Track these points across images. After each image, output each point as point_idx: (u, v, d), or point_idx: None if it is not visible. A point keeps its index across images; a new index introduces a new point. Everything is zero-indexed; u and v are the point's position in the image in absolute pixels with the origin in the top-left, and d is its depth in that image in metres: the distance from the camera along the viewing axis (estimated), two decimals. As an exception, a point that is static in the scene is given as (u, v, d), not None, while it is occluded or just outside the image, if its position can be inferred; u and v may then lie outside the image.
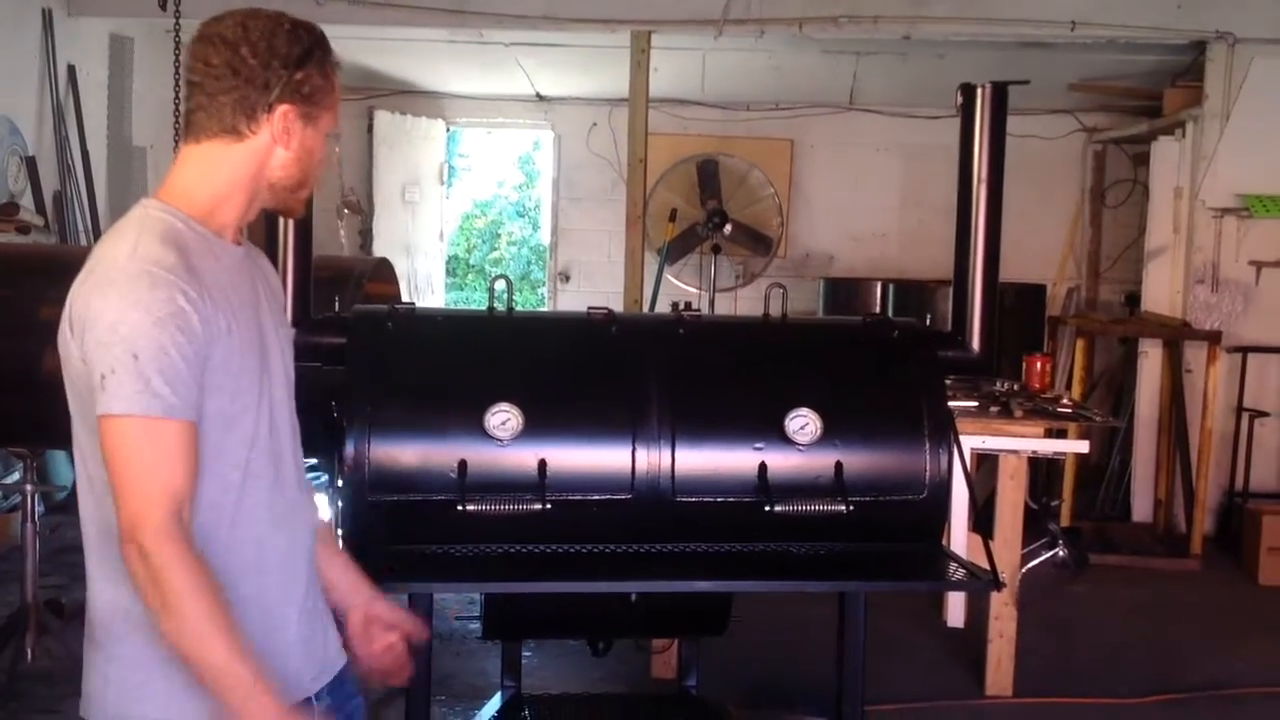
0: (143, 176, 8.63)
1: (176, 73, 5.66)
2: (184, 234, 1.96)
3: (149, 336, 1.83)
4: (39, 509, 4.85)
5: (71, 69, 7.76)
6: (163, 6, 6.10)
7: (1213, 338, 7.28)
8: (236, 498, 1.99)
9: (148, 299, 1.84)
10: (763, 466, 3.22)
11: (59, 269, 4.41)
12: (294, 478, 2.14)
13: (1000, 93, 3.60)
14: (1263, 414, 7.63)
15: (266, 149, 2.02)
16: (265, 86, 1.98)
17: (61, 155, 7.65)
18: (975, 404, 5.09)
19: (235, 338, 1.97)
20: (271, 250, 3.84)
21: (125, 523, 1.84)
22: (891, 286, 8.05)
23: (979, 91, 3.61)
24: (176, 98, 5.63)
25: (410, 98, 10.07)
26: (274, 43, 1.98)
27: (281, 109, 2.00)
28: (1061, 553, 6.60)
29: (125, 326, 1.83)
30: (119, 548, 1.87)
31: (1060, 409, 5.20)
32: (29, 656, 4.76)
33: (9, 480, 6.30)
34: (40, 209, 7.40)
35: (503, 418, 3.10)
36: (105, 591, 1.97)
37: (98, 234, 7.87)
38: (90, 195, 7.86)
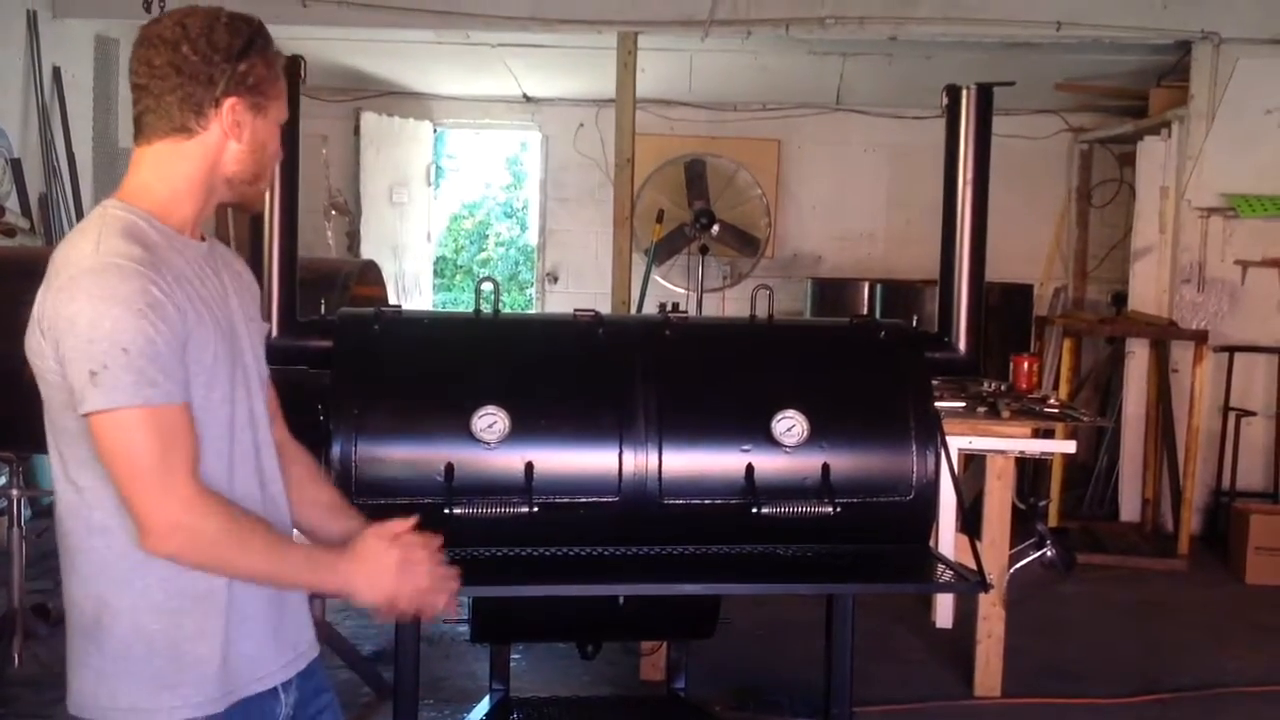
0: (129, 178, 8.60)
1: (162, 75, 5.64)
2: (145, 230, 1.98)
3: (134, 329, 1.85)
4: (25, 513, 4.83)
5: (56, 70, 7.73)
6: (147, 8, 6.09)
7: (1199, 337, 7.31)
8: (222, 487, 2.00)
9: (124, 292, 1.86)
10: (750, 468, 3.22)
11: (43, 272, 4.41)
12: (270, 468, 2.16)
13: (985, 94, 3.61)
14: (1249, 413, 7.66)
15: (219, 144, 2.03)
16: (210, 81, 1.99)
17: (47, 157, 7.63)
18: (962, 404, 5.09)
19: (207, 328, 1.99)
20: (257, 251, 3.83)
21: (145, 513, 1.88)
22: (879, 287, 8.05)
23: (964, 93, 3.62)
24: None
25: (397, 99, 10.05)
26: (213, 37, 1.99)
27: (229, 102, 2.01)
28: (1049, 553, 6.60)
29: (109, 321, 1.85)
30: (115, 541, 1.94)
31: (1047, 409, 5.21)
32: (16, 662, 4.75)
33: (-5, 484, 6.28)
34: (26, 211, 7.37)
35: (489, 420, 3.10)
36: (87, 586, 1.98)
37: (84, 236, 7.84)
38: (76, 197, 7.83)
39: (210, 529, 1.91)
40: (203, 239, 2.10)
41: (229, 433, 2.04)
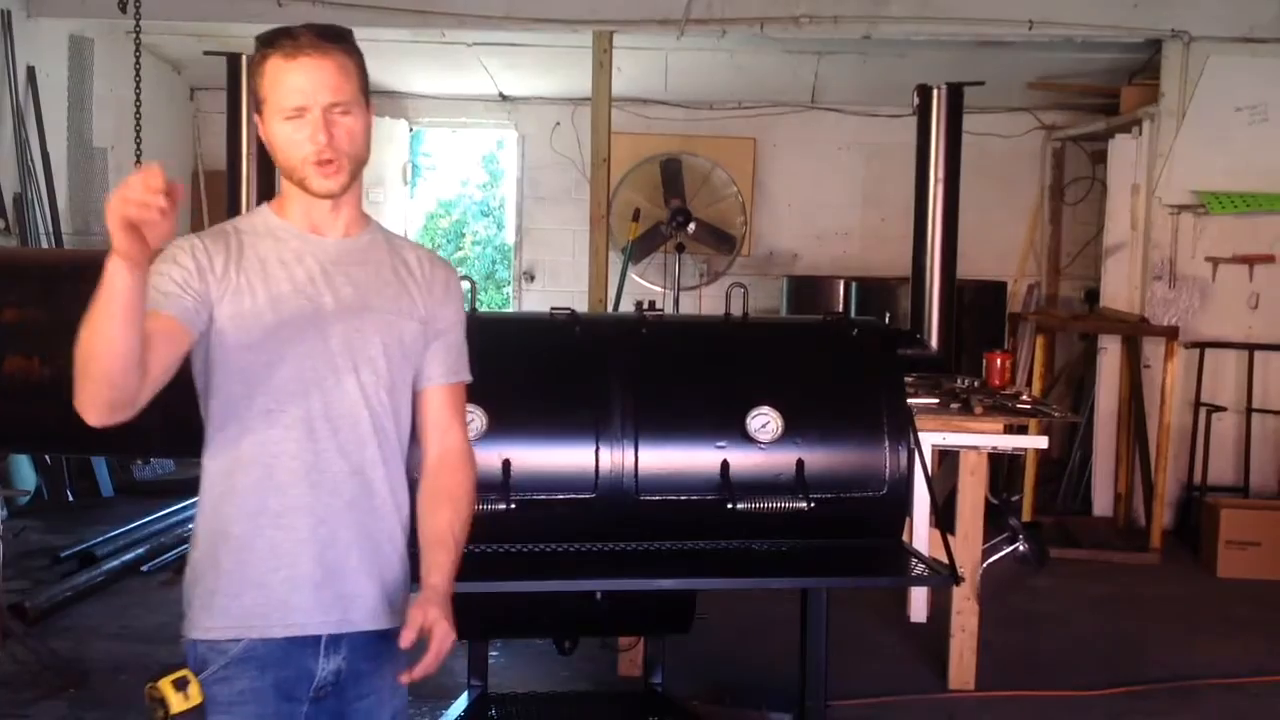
0: (104, 177, 8.57)
1: (137, 74, 5.63)
2: (253, 220, 2.35)
3: (157, 266, 2.18)
4: (2, 513, 4.83)
5: (31, 70, 7.71)
6: (123, 8, 6.07)
7: (1170, 333, 7.37)
8: (257, 441, 2.24)
9: (169, 249, 2.23)
10: (725, 465, 3.25)
11: (18, 272, 4.39)
12: (357, 450, 2.29)
13: (955, 94, 3.65)
14: (1219, 408, 7.73)
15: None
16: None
17: (21, 157, 7.60)
18: (936, 401, 5.13)
19: (258, 300, 2.24)
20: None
21: None
22: (854, 284, 8.09)
23: (934, 92, 3.66)
24: (138, 98, 5.61)
25: (373, 98, 9.96)
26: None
27: (255, 118, 2.35)
28: (1022, 547, 6.63)
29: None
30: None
31: (1020, 405, 5.25)
32: (-7, 661, 4.74)
33: (-30, 484, 6.26)
34: (1, 212, 7.35)
35: (467, 418, 3.11)
36: None
37: (59, 236, 7.83)
38: (51, 197, 7.81)
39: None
40: (349, 236, 2.38)
41: (275, 396, 2.24)
